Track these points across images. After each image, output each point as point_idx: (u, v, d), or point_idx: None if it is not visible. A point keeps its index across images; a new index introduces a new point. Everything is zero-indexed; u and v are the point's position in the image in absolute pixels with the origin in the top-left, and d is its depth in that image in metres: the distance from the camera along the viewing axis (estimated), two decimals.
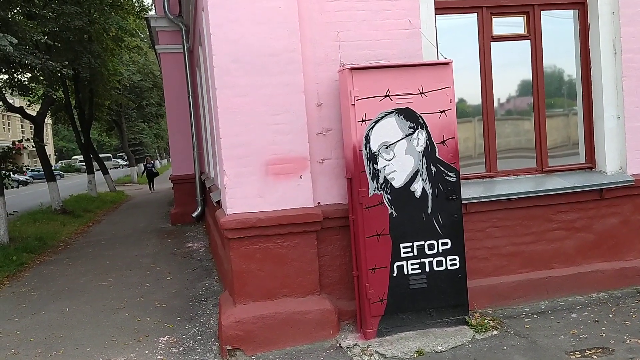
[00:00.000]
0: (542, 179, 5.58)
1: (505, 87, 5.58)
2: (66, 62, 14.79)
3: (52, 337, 5.70)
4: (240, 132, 4.71)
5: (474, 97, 5.53)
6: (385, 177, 4.68)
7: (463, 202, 5.02)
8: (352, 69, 4.60)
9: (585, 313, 5.02)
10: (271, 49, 4.72)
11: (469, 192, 5.20)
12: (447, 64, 4.75)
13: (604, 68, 5.54)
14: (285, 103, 4.78)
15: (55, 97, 18.31)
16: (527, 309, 5.21)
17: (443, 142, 4.76)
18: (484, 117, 5.50)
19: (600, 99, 5.58)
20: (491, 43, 5.46)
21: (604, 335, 4.53)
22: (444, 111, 4.75)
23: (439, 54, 5.20)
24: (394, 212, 4.70)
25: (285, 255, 4.81)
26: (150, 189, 25.66)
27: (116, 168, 55.73)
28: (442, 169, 4.78)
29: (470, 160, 5.57)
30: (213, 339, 5.13)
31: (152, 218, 15.33)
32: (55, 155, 70.12)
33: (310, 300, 4.85)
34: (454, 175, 4.79)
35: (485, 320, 4.88)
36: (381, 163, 4.66)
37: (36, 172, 38.76)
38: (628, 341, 4.37)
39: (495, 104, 5.53)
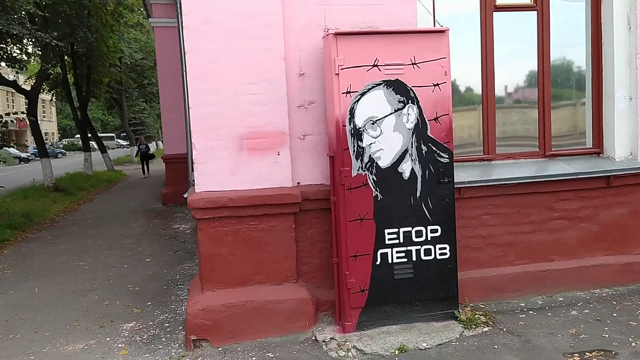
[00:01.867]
0: (545, 163, 5.13)
1: (507, 62, 5.09)
2: (55, 34, 14.31)
3: (14, 318, 5.34)
4: (212, 101, 4.27)
5: (473, 73, 5.05)
6: (370, 155, 4.24)
7: (456, 186, 4.59)
8: (336, 34, 4.13)
9: (587, 311, 4.60)
10: (248, 10, 4.26)
11: (463, 175, 4.76)
12: (442, 31, 4.29)
13: (616, 44, 5.06)
14: (263, 71, 4.33)
15: (51, 72, 17.91)
16: (523, 304, 4.79)
17: (436, 119, 4.31)
18: (483, 94, 5.03)
19: (611, 78, 5.10)
20: (494, 13, 4.98)
21: (607, 336, 4.11)
22: (437, 85, 4.29)
23: (435, 22, 4.73)
24: (379, 194, 4.27)
25: (259, 239, 4.40)
26: (143, 172, 22.70)
27: (114, 148, 55.40)
28: (434, 148, 4.33)
29: (466, 142, 5.13)
30: (181, 327, 4.74)
31: (145, 198, 14.95)
32: (59, 133, 69.88)
33: (286, 289, 4.44)
34: (447, 156, 4.35)
35: (476, 315, 4.46)
36: (366, 140, 4.22)
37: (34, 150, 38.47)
38: (633, 344, 3.94)
39: (496, 81, 5.04)
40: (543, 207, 4.97)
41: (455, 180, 4.50)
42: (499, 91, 5.14)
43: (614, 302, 4.73)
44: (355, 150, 4.22)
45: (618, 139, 5.13)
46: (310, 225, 4.58)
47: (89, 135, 25.81)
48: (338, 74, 4.14)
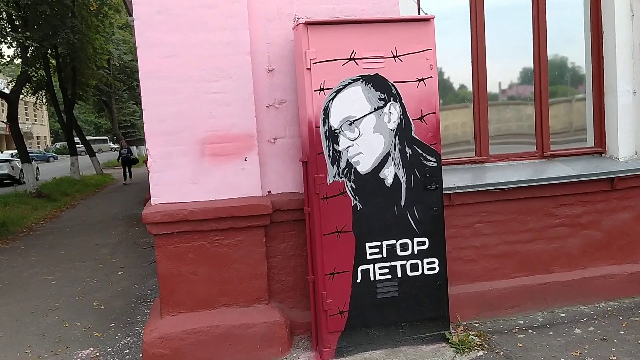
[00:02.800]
0: (543, 165, 4.67)
1: (499, 52, 4.62)
2: (28, 34, 13.81)
3: None
4: (169, 101, 3.79)
5: (462, 64, 4.59)
6: (348, 160, 3.77)
7: (446, 192, 4.13)
8: (307, 24, 3.66)
9: (591, 328, 4.14)
10: None
11: (453, 179, 4.30)
12: (427, 20, 3.82)
13: (618, 33, 4.60)
14: (226, 67, 3.85)
15: (32, 74, 17.38)
16: (521, 322, 4.33)
17: (421, 118, 3.84)
18: (474, 88, 4.57)
19: (613, 71, 4.66)
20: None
21: (614, 358, 3.65)
22: (422, 79, 3.83)
23: (420, 10, 4.27)
24: (358, 204, 3.80)
25: (225, 256, 3.92)
26: (125, 178, 20.96)
27: (107, 151, 54.79)
28: (420, 151, 3.87)
29: (456, 142, 4.67)
30: (142, 355, 4.25)
31: (129, 203, 14.45)
32: (51, 137, 69.07)
33: (256, 311, 3.97)
34: (435, 160, 3.88)
35: (470, 337, 3.99)
36: (343, 143, 3.75)
37: (31, 154, 37.92)
38: None
39: (488, 73, 4.58)
40: (542, 213, 4.51)
41: (444, 186, 4.04)
42: (493, 88, 4.68)
43: (621, 318, 4.28)
44: (331, 154, 3.75)
45: (622, 136, 4.69)
46: (284, 238, 4.10)
47: (77, 138, 25.37)
48: (310, 68, 3.67)
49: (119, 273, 7.00)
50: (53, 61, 20.81)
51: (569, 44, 4.88)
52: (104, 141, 62.53)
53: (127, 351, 4.40)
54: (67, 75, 21.93)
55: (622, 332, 4.02)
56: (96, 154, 28.03)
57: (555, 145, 4.76)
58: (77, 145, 34.39)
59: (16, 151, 20.48)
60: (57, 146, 61.13)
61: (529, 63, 4.69)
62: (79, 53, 20.01)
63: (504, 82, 4.78)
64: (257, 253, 3.97)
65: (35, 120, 63.01)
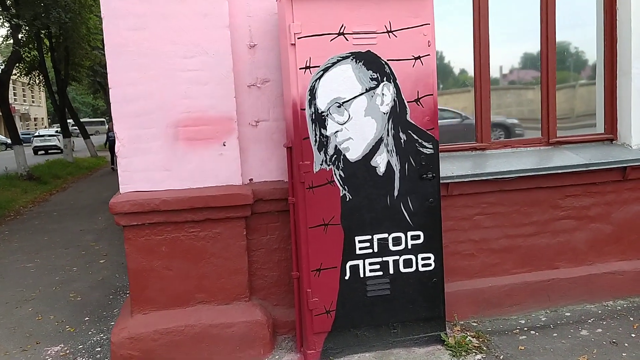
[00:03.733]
0: (548, 152, 4.33)
1: (503, 36, 4.26)
2: (14, 11, 13.36)
3: None
4: (138, 79, 3.42)
5: (464, 49, 4.22)
6: (336, 146, 3.42)
7: (443, 181, 3.79)
8: None
9: (599, 330, 3.83)
10: None
11: (452, 168, 3.96)
12: None
13: (633, 9, 4.22)
14: (202, 41, 3.49)
15: (25, 54, 16.96)
16: (523, 322, 4.02)
17: (417, 100, 3.49)
18: (475, 73, 4.21)
19: (628, 50, 4.28)
20: None
21: None
22: (419, 58, 3.46)
23: None
24: (347, 194, 3.46)
25: (201, 249, 3.59)
26: (112, 163, 19.67)
27: (104, 133, 54.22)
28: (415, 137, 3.52)
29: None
30: (110, 356, 3.95)
31: None
32: (48, 118, 68.45)
33: (236, 309, 3.65)
34: (431, 146, 3.54)
35: (467, 338, 3.69)
36: (332, 127, 3.40)
37: (26, 135, 37.74)
38: None
39: (491, 58, 4.21)
40: (547, 205, 4.17)
41: (442, 175, 3.69)
42: (495, 73, 4.31)
43: (631, 318, 3.97)
44: (318, 139, 3.40)
45: (635, 122, 4.32)
46: (267, 231, 3.77)
47: (72, 120, 24.94)
48: (294, 44, 3.30)
49: (101, 261, 6.69)
50: (47, 41, 20.35)
51: (578, 25, 4.51)
52: (102, 123, 61.77)
53: (99, 349, 4.09)
54: (60, 55, 21.45)
55: (633, 335, 3.71)
56: (92, 136, 27.63)
57: (562, 132, 4.41)
58: (73, 128, 33.99)
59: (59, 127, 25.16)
60: (56, 128, 60.63)
61: (534, 46, 4.32)
62: (71, 33, 19.53)
63: (506, 67, 4.43)
64: (237, 246, 3.64)
65: (33, 102, 62.46)
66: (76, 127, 29.41)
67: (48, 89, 22.32)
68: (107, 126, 59.45)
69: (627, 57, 4.29)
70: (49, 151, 32.94)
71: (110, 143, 20.17)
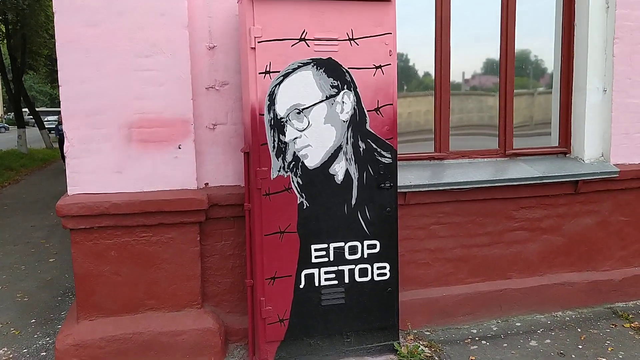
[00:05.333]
0: (504, 164, 4.39)
1: (465, 41, 4.29)
2: None
3: None
4: (90, 77, 3.30)
5: (427, 52, 4.24)
6: (295, 153, 3.37)
7: (401, 190, 3.79)
8: None
9: (548, 340, 3.91)
10: None
11: (409, 177, 3.97)
12: (388, 0, 3.43)
13: (591, 26, 4.32)
14: (159, 40, 3.38)
15: None
16: (475, 331, 4.07)
17: (377, 109, 3.48)
18: (436, 80, 4.24)
19: (584, 67, 4.38)
20: None
21: None
22: (380, 67, 3.45)
23: None
24: (305, 201, 3.42)
25: (153, 254, 3.49)
26: (63, 159, 19.86)
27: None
28: (374, 146, 3.50)
29: (418, 130, 4.34)
30: None
31: None
32: (4, 107, 65.96)
33: (187, 316, 3.57)
34: (390, 156, 3.53)
35: (420, 348, 3.70)
36: (290, 134, 3.35)
37: None
38: None
39: (452, 63, 4.24)
40: (501, 215, 4.24)
41: (400, 184, 3.71)
42: (456, 77, 4.35)
43: (579, 330, 4.06)
44: (276, 145, 3.35)
45: (588, 137, 4.43)
46: (221, 236, 3.70)
47: (27, 109, 24.07)
48: (254, 47, 3.24)
49: (51, 260, 6.45)
50: (3, 28, 19.62)
51: (537, 36, 4.59)
52: (60, 113, 60.04)
53: (44, 353, 3.93)
54: (17, 43, 20.70)
55: (580, 347, 3.80)
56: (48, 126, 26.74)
57: (518, 140, 4.47)
58: (29, 117, 32.82)
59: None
60: (10, 117, 58.51)
61: (495, 52, 4.38)
62: (29, 20, 18.89)
63: (468, 72, 4.46)
64: (190, 252, 3.55)
65: None
66: (32, 117, 28.40)
67: (3, 77, 21.50)
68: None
69: (582, 73, 4.39)
70: None
71: (60, 137, 19.62)
